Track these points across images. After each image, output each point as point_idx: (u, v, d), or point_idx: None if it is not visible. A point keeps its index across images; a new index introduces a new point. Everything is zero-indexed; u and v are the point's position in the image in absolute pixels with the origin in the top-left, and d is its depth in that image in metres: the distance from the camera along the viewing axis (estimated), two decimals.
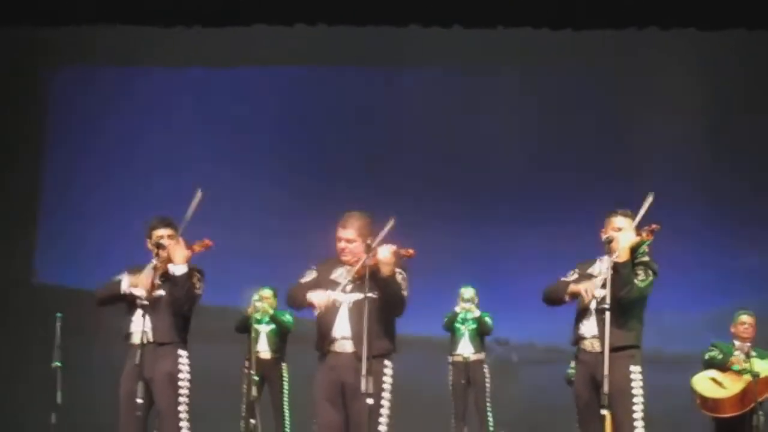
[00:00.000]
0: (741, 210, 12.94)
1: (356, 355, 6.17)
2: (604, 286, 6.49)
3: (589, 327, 6.69)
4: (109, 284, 7.04)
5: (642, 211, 6.59)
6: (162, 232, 6.92)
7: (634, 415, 6.47)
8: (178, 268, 6.77)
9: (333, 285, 6.40)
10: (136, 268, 7.01)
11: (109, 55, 13.28)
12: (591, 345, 6.66)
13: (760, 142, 13.05)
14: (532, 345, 13.34)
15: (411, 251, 6.26)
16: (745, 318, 9.24)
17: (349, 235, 6.41)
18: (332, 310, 6.36)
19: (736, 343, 9.18)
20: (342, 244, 6.44)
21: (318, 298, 6.30)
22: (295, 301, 6.52)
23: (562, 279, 6.88)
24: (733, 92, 13.01)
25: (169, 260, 6.78)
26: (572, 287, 6.73)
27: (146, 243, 7.02)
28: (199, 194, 6.68)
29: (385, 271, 6.18)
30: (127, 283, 6.91)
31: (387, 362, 6.36)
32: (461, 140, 13.37)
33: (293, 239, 11.81)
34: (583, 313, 6.76)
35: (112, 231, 12.38)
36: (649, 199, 6.57)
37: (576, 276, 6.86)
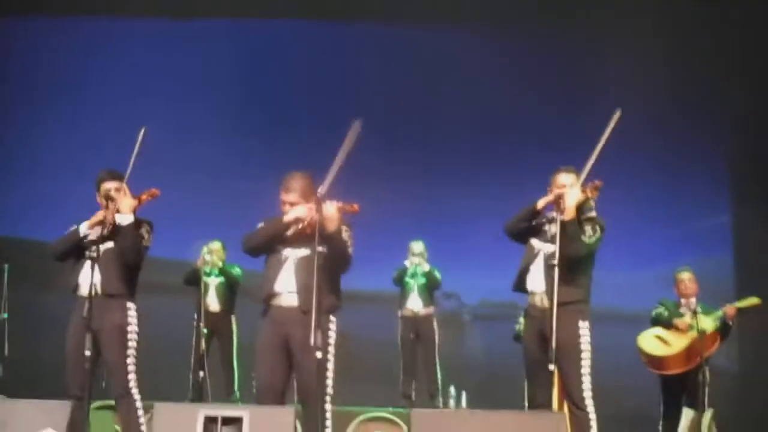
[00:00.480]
0: (695, 171, 13.03)
1: (301, 309, 6.20)
2: (555, 242, 6.54)
3: (538, 282, 6.76)
4: (65, 234, 7.00)
5: (608, 130, 6.61)
6: (110, 185, 6.90)
7: (582, 370, 6.56)
8: (125, 218, 6.76)
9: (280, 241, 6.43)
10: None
11: (53, 4, 13.10)
12: (540, 300, 6.73)
13: (714, 103, 13.15)
14: (482, 301, 13.38)
15: (355, 207, 6.25)
16: (684, 275, 9.33)
17: (292, 198, 6.43)
18: (278, 264, 6.38)
19: (682, 300, 9.27)
20: (286, 208, 6.44)
21: (300, 211, 6.32)
22: (252, 239, 6.49)
23: None
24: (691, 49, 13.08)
25: (118, 211, 6.76)
26: (545, 198, 6.73)
27: (96, 196, 6.99)
28: (143, 131, 6.69)
29: (330, 227, 6.18)
30: (85, 226, 6.87)
31: (332, 318, 6.40)
32: (412, 95, 13.31)
33: (244, 195, 11.76)
34: (529, 266, 6.83)
35: (63, 183, 12.22)
36: (617, 115, 6.62)
37: None
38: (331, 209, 6.16)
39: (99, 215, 6.82)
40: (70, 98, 13.11)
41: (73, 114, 13.07)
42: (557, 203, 6.65)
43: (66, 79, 13.17)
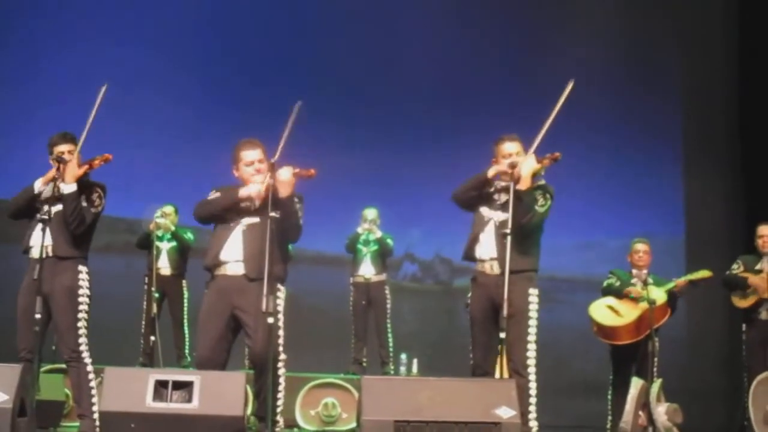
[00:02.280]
0: (649, 144, 13.11)
1: (247, 277, 6.25)
2: (505, 210, 6.58)
3: (487, 249, 6.78)
4: (20, 192, 6.94)
5: (560, 101, 6.62)
6: (63, 148, 6.89)
7: (528, 337, 6.60)
8: (67, 187, 6.73)
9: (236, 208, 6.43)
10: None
11: None
12: (490, 267, 6.75)
13: (667, 73, 13.22)
14: (435, 264, 13.38)
15: (312, 171, 6.32)
16: (639, 246, 9.41)
17: (261, 155, 6.47)
18: (225, 232, 6.41)
19: (634, 271, 9.34)
20: (257, 165, 6.47)
21: (253, 189, 6.35)
22: (205, 208, 6.52)
23: None
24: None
25: (62, 180, 6.73)
26: (495, 167, 6.77)
27: (48, 158, 6.96)
28: (104, 89, 6.69)
29: (284, 192, 6.23)
30: (39, 183, 6.83)
31: (280, 286, 6.42)
32: (366, 57, 13.22)
33: (197, 158, 11.69)
34: (479, 235, 6.84)
35: (13, 144, 12.06)
36: (569, 86, 6.61)
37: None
38: (287, 174, 6.21)
39: (52, 172, 6.78)
40: (26, 46, 12.87)
41: (31, 63, 12.81)
42: (508, 171, 6.66)
43: (23, 24, 12.92)
